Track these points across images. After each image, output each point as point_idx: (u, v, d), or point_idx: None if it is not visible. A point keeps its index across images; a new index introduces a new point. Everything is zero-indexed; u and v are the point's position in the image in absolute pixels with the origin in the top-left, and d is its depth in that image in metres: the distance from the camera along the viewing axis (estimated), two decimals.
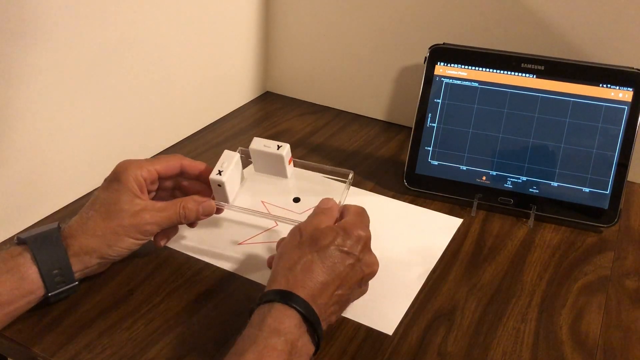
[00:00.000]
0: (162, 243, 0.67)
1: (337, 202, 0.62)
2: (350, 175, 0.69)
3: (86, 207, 0.61)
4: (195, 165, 0.66)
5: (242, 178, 0.70)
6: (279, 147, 0.67)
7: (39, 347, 0.56)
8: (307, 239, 0.56)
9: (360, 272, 0.56)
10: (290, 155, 0.69)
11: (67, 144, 0.74)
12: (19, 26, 0.64)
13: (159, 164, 0.64)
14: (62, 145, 0.74)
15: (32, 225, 0.73)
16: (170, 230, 0.67)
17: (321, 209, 0.60)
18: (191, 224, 0.69)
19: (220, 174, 0.64)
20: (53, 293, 0.57)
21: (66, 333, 0.58)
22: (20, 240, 0.57)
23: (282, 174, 0.69)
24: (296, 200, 0.77)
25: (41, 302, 0.58)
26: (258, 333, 0.49)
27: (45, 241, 0.57)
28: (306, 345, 0.51)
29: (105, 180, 0.62)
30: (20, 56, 0.65)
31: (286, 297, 0.51)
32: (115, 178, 0.61)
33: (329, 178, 0.71)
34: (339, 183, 0.69)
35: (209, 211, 0.65)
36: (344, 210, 0.61)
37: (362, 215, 0.60)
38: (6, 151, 0.67)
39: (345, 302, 0.57)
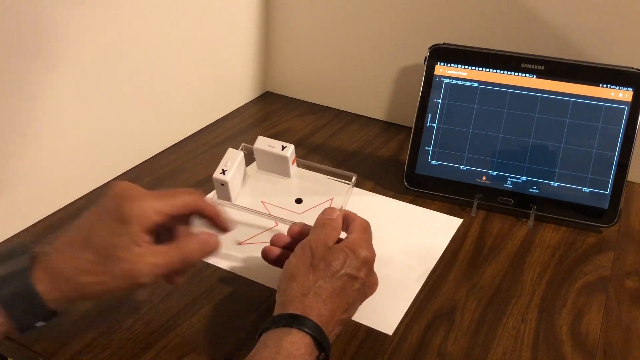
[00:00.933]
0: (179, 281, 0.58)
1: (339, 206, 0.62)
2: (354, 179, 0.69)
3: (76, 240, 0.50)
4: (211, 210, 0.56)
5: (245, 175, 0.70)
6: (283, 147, 0.67)
7: (39, 347, 0.56)
8: (319, 260, 0.55)
9: (363, 294, 0.58)
10: (294, 155, 0.69)
11: (67, 144, 0.74)
12: (19, 26, 0.64)
13: (175, 202, 0.53)
14: (61, 145, 0.74)
15: (33, 225, 0.73)
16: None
17: (327, 221, 0.60)
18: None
19: (224, 173, 0.64)
20: (28, 332, 0.50)
21: (66, 333, 0.58)
22: None
23: (285, 173, 0.70)
24: (298, 201, 0.77)
25: None
26: (277, 357, 0.49)
27: (11, 280, 0.48)
28: None
29: (104, 215, 0.50)
30: (19, 57, 0.65)
31: (302, 323, 0.51)
32: (122, 220, 0.50)
33: (331, 179, 0.72)
34: (341, 184, 0.69)
35: (214, 249, 0.55)
36: (349, 220, 0.61)
37: (367, 231, 0.60)
38: (6, 151, 0.67)
39: (346, 323, 0.58)
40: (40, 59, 0.68)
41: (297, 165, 0.71)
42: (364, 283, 0.57)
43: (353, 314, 0.58)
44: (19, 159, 0.69)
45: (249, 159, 0.70)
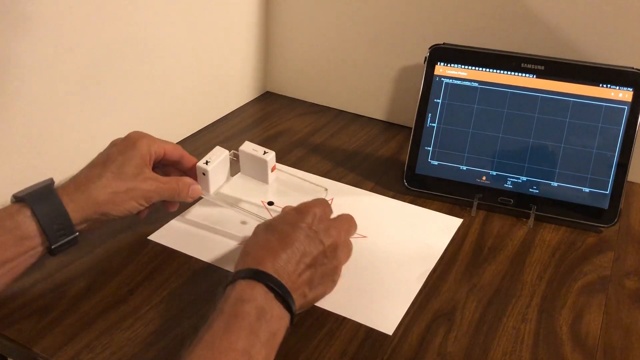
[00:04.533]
0: (174, 208, 0.72)
1: None
2: (325, 192, 0.75)
3: (97, 164, 0.63)
4: (190, 159, 0.71)
5: (228, 177, 0.74)
6: (265, 152, 0.72)
7: (39, 347, 0.56)
8: (263, 227, 0.60)
9: (318, 242, 0.58)
10: (274, 163, 0.73)
11: (67, 144, 0.74)
12: (19, 25, 0.64)
13: (167, 144, 0.68)
14: (61, 145, 0.74)
15: None
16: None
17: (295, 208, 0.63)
18: (171, 206, 0.72)
19: (207, 164, 0.70)
20: (56, 245, 0.59)
21: (66, 333, 0.58)
22: (18, 199, 0.58)
23: (264, 179, 0.74)
24: (270, 203, 0.78)
25: (44, 261, 0.60)
26: (224, 305, 0.51)
27: (42, 197, 0.58)
28: (277, 310, 0.53)
29: (117, 144, 0.65)
30: (19, 55, 0.65)
31: (247, 273, 0.54)
32: (131, 144, 0.65)
33: (308, 186, 0.76)
34: (316, 192, 0.71)
35: (195, 194, 0.70)
36: None
37: (323, 203, 0.64)
38: (5, 151, 0.67)
39: (319, 274, 0.58)
40: (38, 58, 0.68)
41: (278, 175, 0.76)
42: (312, 228, 0.59)
43: (321, 265, 0.58)
44: (18, 159, 0.69)
45: (237, 167, 0.75)
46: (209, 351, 0.47)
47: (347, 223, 0.64)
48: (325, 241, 0.59)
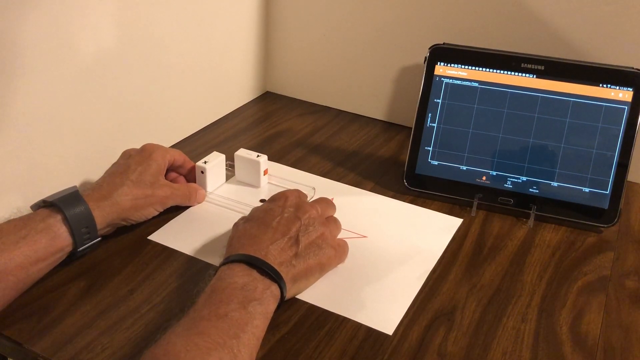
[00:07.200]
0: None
1: None
2: (313, 192, 0.79)
3: (117, 173, 0.68)
4: (190, 162, 0.78)
5: (223, 181, 0.81)
6: (257, 156, 0.80)
7: (39, 347, 0.56)
8: (241, 220, 0.65)
9: (294, 217, 0.62)
10: (266, 166, 0.80)
11: (66, 144, 0.74)
12: (19, 22, 0.64)
13: (175, 152, 0.76)
14: (61, 145, 0.74)
15: None
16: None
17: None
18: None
19: (205, 163, 0.77)
20: (81, 248, 0.63)
21: (66, 333, 0.58)
22: (48, 203, 0.62)
23: (256, 182, 0.81)
24: (263, 201, 0.79)
25: (61, 265, 0.63)
26: (206, 289, 0.55)
27: (72, 202, 0.62)
28: (260, 282, 0.56)
29: (134, 155, 0.71)
30: (18, 54, 0.65)
31: (226, 260, 0.58)
32: (148, 155, 0.71)
33: (296, 186, 0.78)
34: (305, 192, 0.72)
35: (201, 198, 0.77)
36: None
37: (296, 190, 0.68)
38: (3, 151, 0.67)
39: (304, 245, 0.61)
40: (38, 57, 0.68)
41: (270, 180, 0.82)
42: (285, 207, 0.63)
43: (302, 237, 0.61)
44: (17, 160, 0.69)
45: (232, 174, 0.82)
46: (192, 320, 0.51)
47: (323, 201, 0.69)
48: (300, 216, 0.63)
